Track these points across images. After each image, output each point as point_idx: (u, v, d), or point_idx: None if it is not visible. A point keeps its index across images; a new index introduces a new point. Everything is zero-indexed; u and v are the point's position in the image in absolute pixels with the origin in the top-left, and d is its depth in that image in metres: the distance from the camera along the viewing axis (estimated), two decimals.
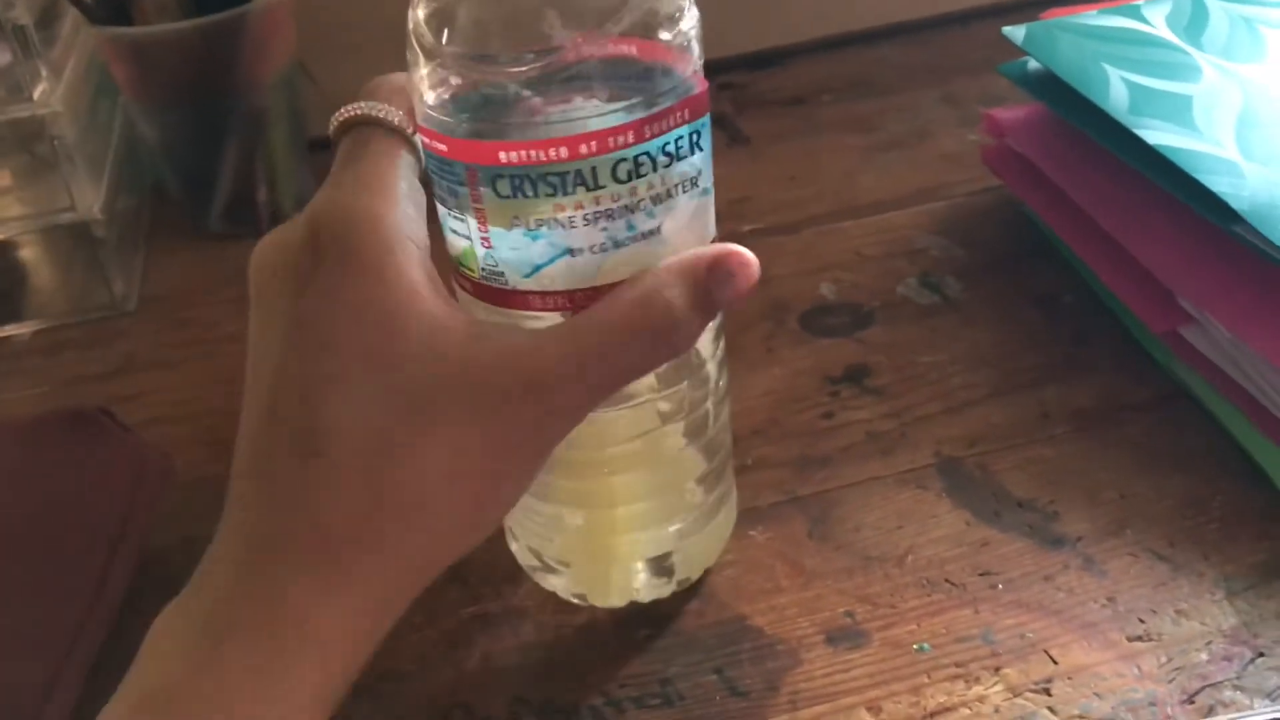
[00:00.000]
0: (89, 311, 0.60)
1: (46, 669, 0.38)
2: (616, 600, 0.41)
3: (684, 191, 0.33)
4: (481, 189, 0.31)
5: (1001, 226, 0.59)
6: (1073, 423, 0.47)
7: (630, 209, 0.32)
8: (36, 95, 0.56)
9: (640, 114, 0.31)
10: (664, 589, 0.41)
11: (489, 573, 0.43)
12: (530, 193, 0.31)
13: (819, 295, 0.55)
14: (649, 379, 0.36)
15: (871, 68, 0.74)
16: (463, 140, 0.31)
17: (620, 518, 0.38)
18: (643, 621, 0.41)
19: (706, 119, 0.33)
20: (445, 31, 0.31)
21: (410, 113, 0.33)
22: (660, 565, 0.40)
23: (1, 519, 0.43)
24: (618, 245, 0.32)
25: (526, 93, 0.31)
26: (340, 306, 0.29)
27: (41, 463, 0.45)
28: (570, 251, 0.32)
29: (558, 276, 0.32)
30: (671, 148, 0.32)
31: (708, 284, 0.31)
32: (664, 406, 0.37)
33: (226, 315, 0.59)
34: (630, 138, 0.31)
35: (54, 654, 0.39)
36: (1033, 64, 0.55)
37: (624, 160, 0.31)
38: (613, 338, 0.30)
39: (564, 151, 0.30)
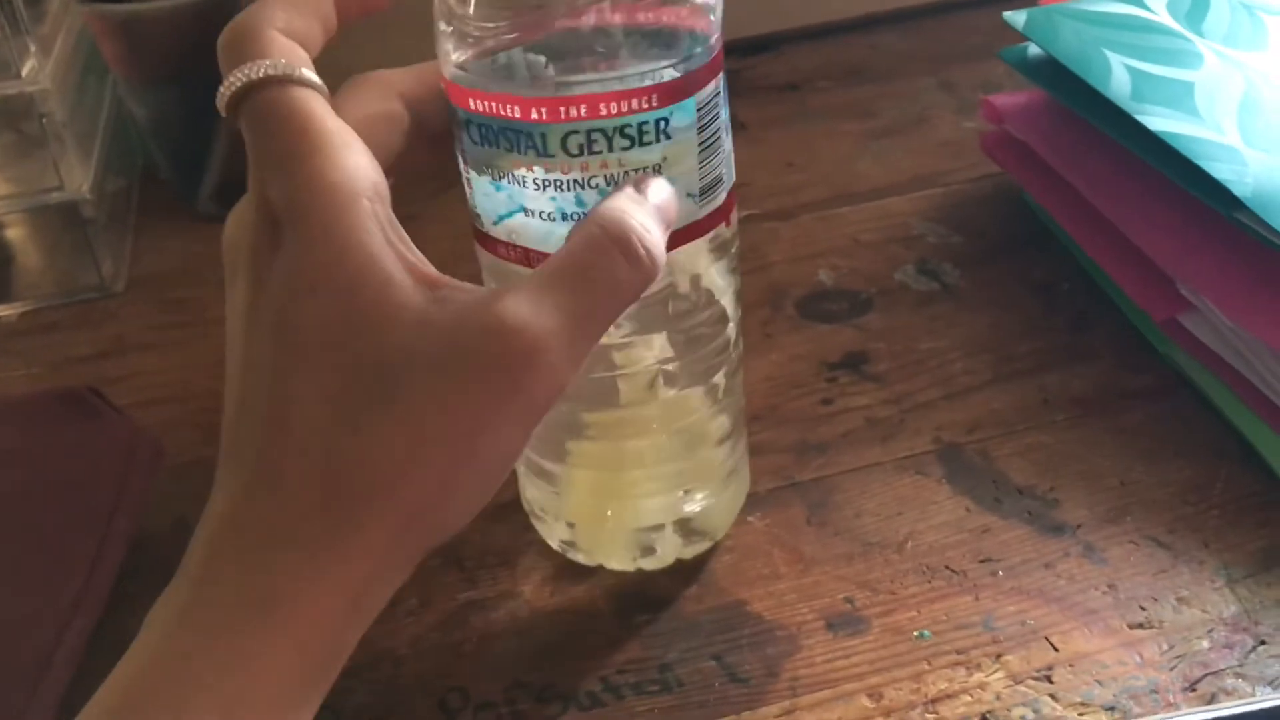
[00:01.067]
0: (77, 293, 0.59)
1: (41, 647, 0.38)
2: (617, 563, 0.41)
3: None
4: (462, 132, 0.33)
5: (999, 213, 0.58)
6: (1073, 409, 0.47)
7: (580, 184, 0.31)
8: (25, 72, 0.55)
9: (603, 89, 0.31)
10: (676, 553, 0.41)
11: (485, 557, 0.43)
12: (495, 144, 0.32)
13: (817, 281, 0.55)
14: (670, 339, 0.36)
15: (868, 54, 0.73)
16: (451, 83, 0.32)
17: (631, 481, 0.38)
18: (641, 607, 0.40)
19: (678, 110, 0.32)
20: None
21: (295, 52, 0.30)
22: (682, 528, 0.40)
23: None
24: (565, 217, 0.32)
25: (533, 53, 0.31)
26: (296, 285, 0.28)
27: (32, 441, 0.44)
28: (525, 210, 0.32)
29: (517, 230, 0.33)
30: (633, 131, 0.31)
31: (645, 199, 0.31)
32: (675, 367, 0.37)
33: (216, 298, 0.57)
34: (583, 111, 0.31)
35: (48, 633, 0.38)
36: (1033, 49, 0.54)
37: (575, 132, 0.31)
38: (589, 262, 0.29)
39: (517, 111, 0.31)
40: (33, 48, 0.55)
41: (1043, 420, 0.47)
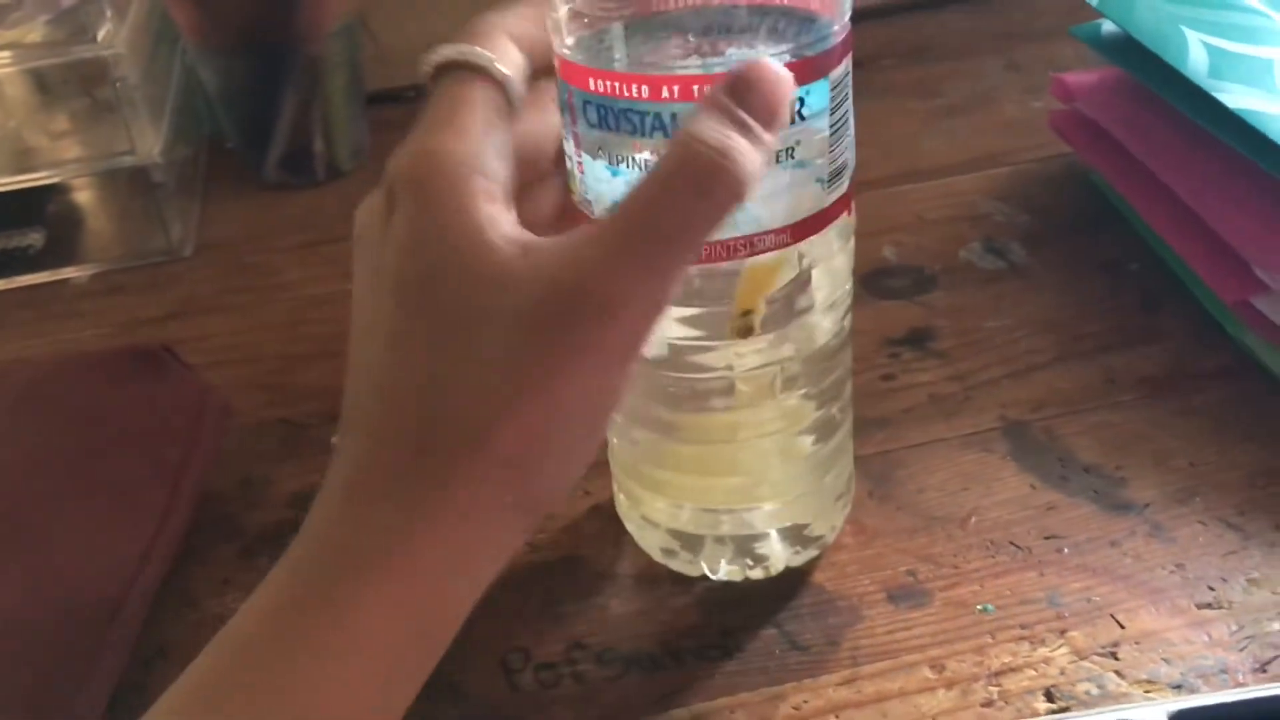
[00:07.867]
0: (146, 256, 0.60)
1: (111, 596, 0.39)
2: (725, 573, 0.40)
3: (774, 160, 0.31)
4: (576, 113, 0.31)
5: (1067, 193, 0.58)
6: (1140, 390, 0.46)
7: None
8: (100, 37, 0.56)
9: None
10: (786, 560, 0.40)
11: (548, 523, 0.43)
12: (613, 126, 0.31)
13: (881, 257, 0.55)
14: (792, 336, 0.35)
15: (935, 33, 0.73)
16: (567, 62, 0.31)
17: (738, 488, 0.38)
18: (702, 574, 0.40)
19: (813, 90, 0.31)
20: None
21: (507, 51, 0.31)
22: (790, 535, 0.39)
23: (70, 449, 0.43)
24: None
25: (665, 33, 0.31)
26: (403, 243, 0.29)
27: (108, 395, 0.45)
28: None
29: None
30: None
31: (728, 105, 0.28)
32: (796, 369, 0.36)
33: (282, 263, 0.59)
34: None
35: (117, 583, 0.39)
36: (1108, 26, 0.54)
37: None
38: (652, 199, 0.28)
39: (645, 90, 0.30)
40: (109, 12, 0.56)
41: (1109, 400, 0.46)
